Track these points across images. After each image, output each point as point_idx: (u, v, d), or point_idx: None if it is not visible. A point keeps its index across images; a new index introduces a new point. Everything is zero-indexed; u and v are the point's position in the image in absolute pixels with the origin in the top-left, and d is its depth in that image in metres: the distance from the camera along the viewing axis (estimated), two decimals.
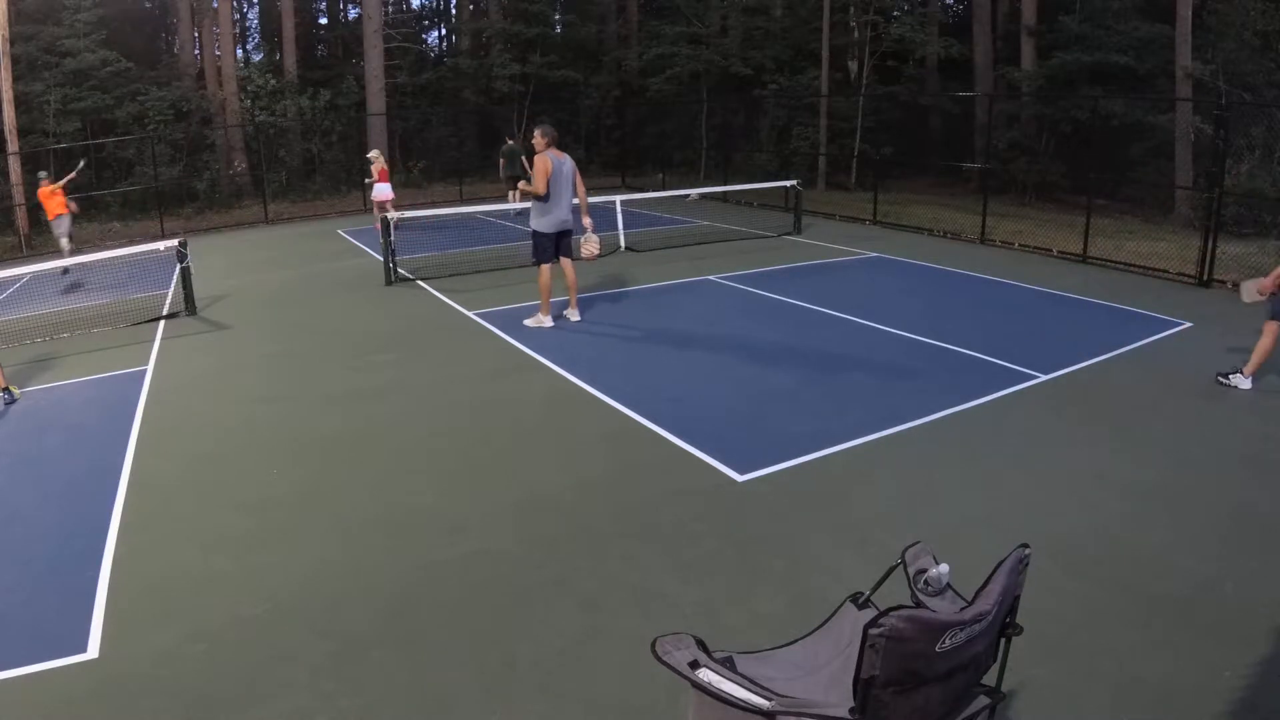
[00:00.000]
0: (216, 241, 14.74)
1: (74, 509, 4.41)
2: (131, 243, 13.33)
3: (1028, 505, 4.15)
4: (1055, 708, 2.71)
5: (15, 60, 16.27)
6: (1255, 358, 5.77)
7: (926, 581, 2.02)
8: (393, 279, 9.90)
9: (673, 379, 6.19)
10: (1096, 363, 6.32)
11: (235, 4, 25.77)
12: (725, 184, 17.82)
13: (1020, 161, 16.82)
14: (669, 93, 22.54)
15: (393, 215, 10.36)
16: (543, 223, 7.40)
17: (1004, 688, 2.06)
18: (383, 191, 14.02)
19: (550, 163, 7.19)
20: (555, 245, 7.51)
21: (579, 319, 7.84)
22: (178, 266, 8.99)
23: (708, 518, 4.08)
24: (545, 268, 7.53)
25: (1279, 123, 13.06)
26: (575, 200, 7.51)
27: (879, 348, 6.88)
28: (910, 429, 5.08)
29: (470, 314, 8.31)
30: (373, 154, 14.56)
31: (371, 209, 15.41)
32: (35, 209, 16.10)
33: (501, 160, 16.22)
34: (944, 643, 1.72)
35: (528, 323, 7.71)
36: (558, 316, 7.79)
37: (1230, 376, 5.85)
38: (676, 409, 5.48)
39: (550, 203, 7.30)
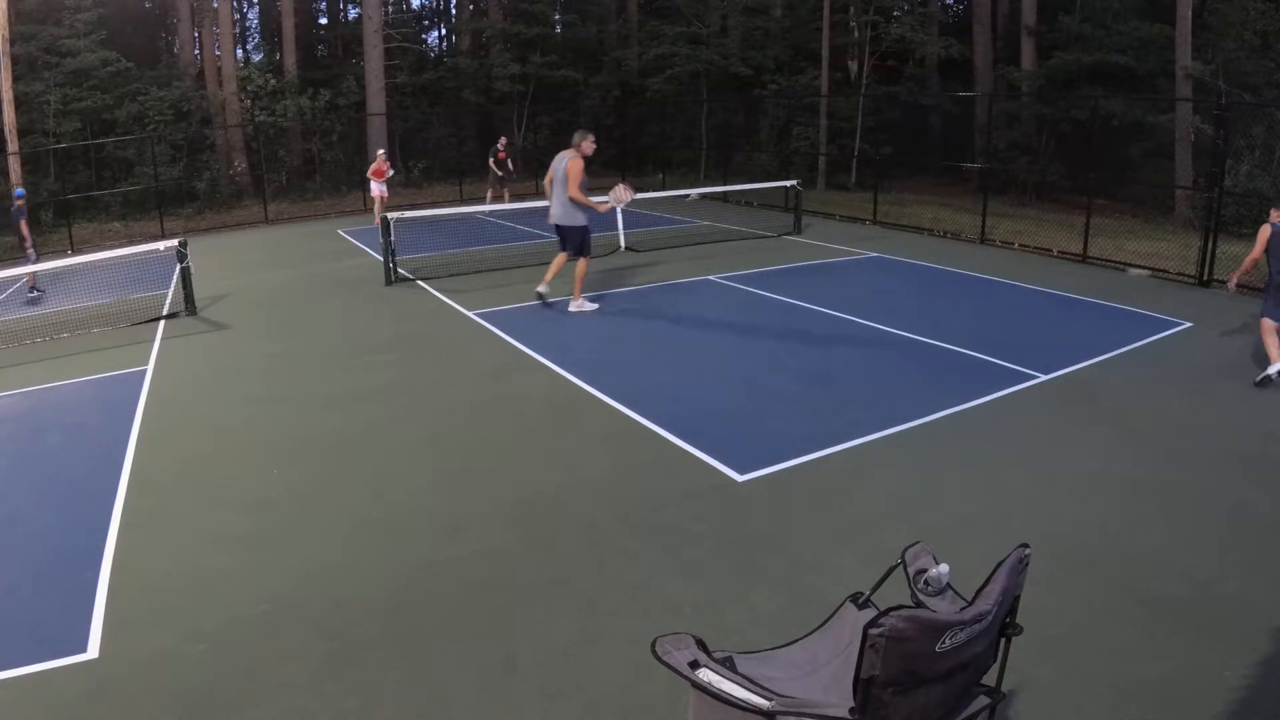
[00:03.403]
0: (216, 241, 14.73)
1: (74, 509, 4.41)
2: (131, 243, 13.32)
3: (1028, 505, 4.15)
4: (1055, 708, 2.71)
5: (15, 60, 16.24)
6: (1273, 352, 5.94)
7: (926, 581, 2.02)
8: (393, 279, 9.89)
9: (673, 379, 6.19)
10: (1096, 363, 6.32)
11: (235, 4, 25.77)
12: (725, 184, 17.83)
13: (1020, 161, 16.82)
14: (669, 93, 22.54)
15: (393, 216, 10.36)
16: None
17: (1004, 688, 2.06)
18: (379, 189, 14.76)
19: (554, 161, 7.96)
20: (560, 237, 8.26)
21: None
22: (178, 266, 8.99)
23: (708, 518, 4.07)
24: (560, 257, 8.39)
25: (1279, 123, 13.06)
26: (570, 196, 7.94)
27: (879, 348, 6.88)
28: (910, 429, 5.08)
29: (470, 314, 8.31)
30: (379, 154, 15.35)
31: (373, 208, 15.55)
32: (36, 208, 16.13)
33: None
34: (944, 643, 1.72)
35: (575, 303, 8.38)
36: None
37: (1268, 369, 5.89)
38: (676, 409, 5.48)
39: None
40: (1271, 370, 5.91)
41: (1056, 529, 3.87)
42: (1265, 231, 6.14)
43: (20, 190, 11.68)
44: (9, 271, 9.49)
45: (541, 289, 8.37)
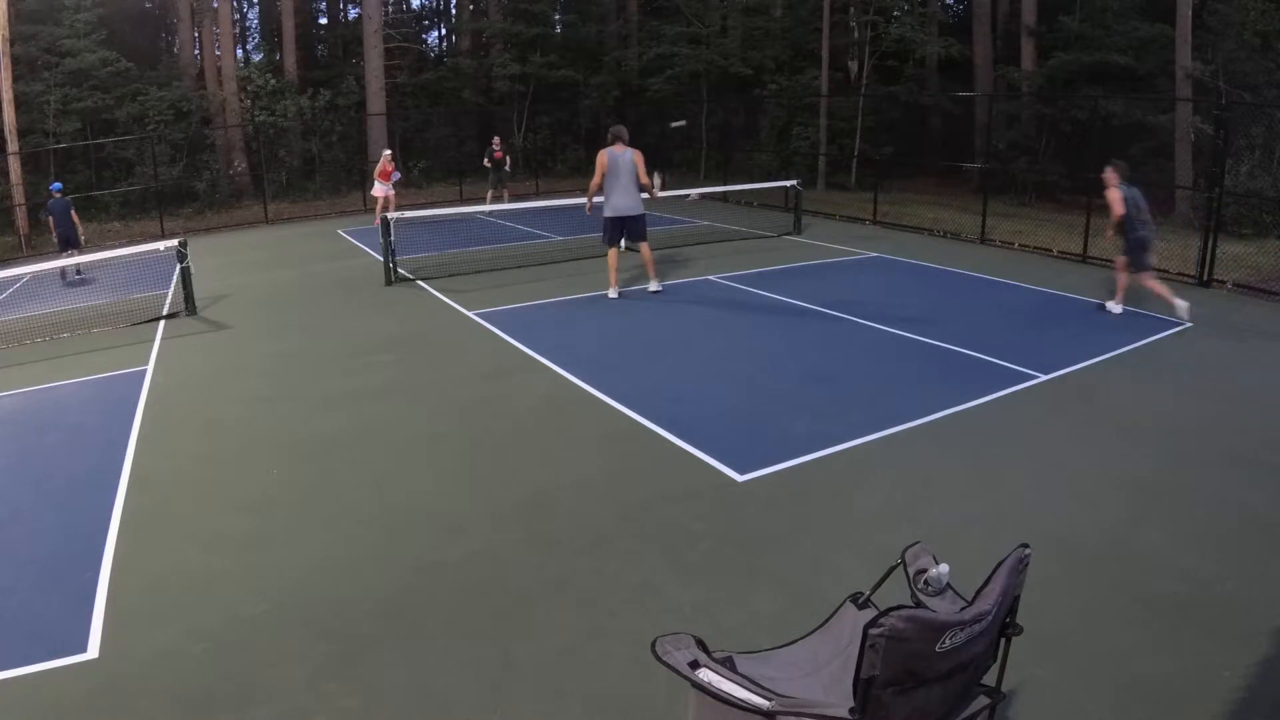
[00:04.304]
0: (216, 241, 14.74)
1: (74, 509, 4.41)
2: (131, 243, 13.34)
3: (1028, 505, 4.15)
4: (1055, 708, 2.71)
5: (15, 60, 16.26)
6: (1120, 292, 7.68)
7: (926, 581, 2.02)
8: (393, 279, 9.89)
9: (673, 379, 6.19)
10: (1096, 363, 6.32)
11: (235, 4, 25.77)
12: (725, 184, 17.82)
13: (1020, 161, 16.81)
14: (669, 93, 22.53)
15: (393, 215, 10.37)
16: (606, 209, 8.52)
17: (1004, 688, 2.06)
18: (381, 189, 14.59)
19: (605, 158, 8.29)
20: (619, 230, 8.55)
21: (658, 289, 8.86)
22: (178, 266, 8.99)
23: (708, 518, 4.07)
24: (611, 250, 8.65)
25: (1279, 123, 13.05)
26: (641, 189, 8.47)
27: (879, 348, 6.88)
28: (910, 429, 5.08)
29: (470, 314, 8.31)
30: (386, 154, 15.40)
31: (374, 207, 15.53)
32: (35, 208, 16.14)
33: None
34: (944, 643, 1.72)
35: (608, 293, 8.75)
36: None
37: (1107, 305, 7.79)
38: (676, 409, 5.48)
39: (606, 192, 8.43)
40: (1113, 307, 7.71)
41: (1056, 529, 3.87)
42: (1118, 194, 7.36)
43: (58, 184, 12.50)
44: (9, 271, 9.49)
45: (654, 286, 8.88)
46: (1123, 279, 7.63)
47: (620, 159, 8.32)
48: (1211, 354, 6.64)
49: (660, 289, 8.86)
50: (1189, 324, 7.33)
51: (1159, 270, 9.72)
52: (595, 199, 8.75)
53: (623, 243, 8.68)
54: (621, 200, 8.40)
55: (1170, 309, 7.37)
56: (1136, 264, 7.53)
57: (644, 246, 8.81)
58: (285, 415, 5.78)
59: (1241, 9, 14.46)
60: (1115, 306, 7.71)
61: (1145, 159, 14.92)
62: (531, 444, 5.09)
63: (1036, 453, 4.79)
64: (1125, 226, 7.44)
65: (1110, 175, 7.55)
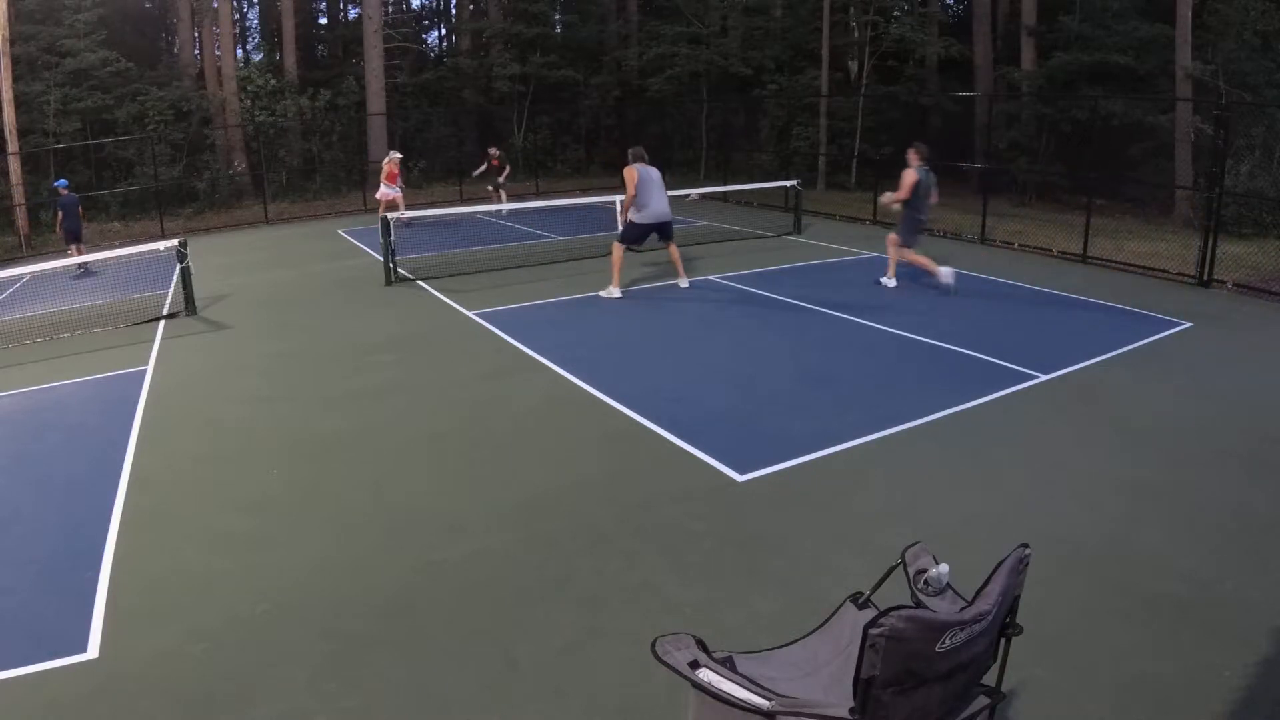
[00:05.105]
0: (216, 241, 14.73)
1: (74, 509, 4.41)
2: (131, 243, 13.34)
3: (1028, 505, 4.15)
4: (1055, 708, 2.71)
5: (15, 60, 16.25)
6: (891, 266, 8.85)
7: (926, 581, 2.02)
8: (393, 279, 9.89)
9: (673, 379, 6.19)
10: (1096, 363, 6.32)
11: (235, 4, 25.78)
12: (725, 184, 17.81)
13: (1020, 161, 16.81)
14: (669, 93, 22.53)
15: (393, 216, 10.37)
16: (641, 215, 8.83)
17: (1004, 688, 2.06)
18: (386, 191, 14.40)
19: (638, 172, 8.70)
20: (649, 234, 9.01)
21: (687, 285, 9.23)
22: (178, 266, 8.99)
23: (708, 518, 4.07)
24: (619, 247, 8.97)
25: (1279, 123, 13.06)
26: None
27: (879, 348, 6.88)
28: (910, 429, 5.08)
29: (470, 314, 8.31)
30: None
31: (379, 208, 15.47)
32: (36, 208, 16.15)
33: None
34: (944, 643, 1.72)
35: (601, 294, 8.91)
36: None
37: (882, 280, 8.87)
38: (676, 409, 5.48)
39: (644, 201, 8.76)
40: (887, 281, 8.81)
41: (1056, 529, 3.87)
42: (912, 176, 8.25)
43: (63, 181, 12.77)
44: (9, 271, 9.49)
45: (682, 283, 9.29)
46: (893, 254, 8.76)
47: (651, 171, 8.82)
48: (1211, 354, 6.64)
49: (688, 285, 9.25)
50: (1189, 324, 7.34)
51: (1160, 270, 9.81)
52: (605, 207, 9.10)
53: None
54: (661, 206, 8.91)
55: (934, 277, 8.45)
56: (906, 241, 8.63)
57: (673, 246, 9.20)
58: (285, 415, 5.78)
59: (1241, 9, 14.48)
60: (889, 281, 8.81)
61: (1145, 159, 14.94)
62: (531, 444, 5.09)
63: (1036, 453, 4.79)
64: (910, 206, 8.42)
65: (912, 156, 8.34)
